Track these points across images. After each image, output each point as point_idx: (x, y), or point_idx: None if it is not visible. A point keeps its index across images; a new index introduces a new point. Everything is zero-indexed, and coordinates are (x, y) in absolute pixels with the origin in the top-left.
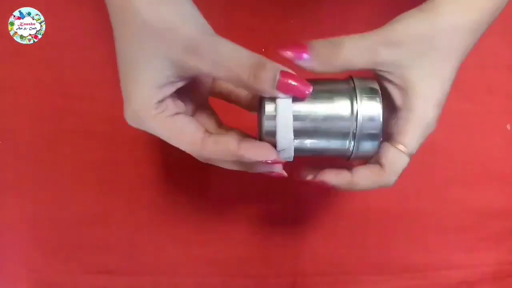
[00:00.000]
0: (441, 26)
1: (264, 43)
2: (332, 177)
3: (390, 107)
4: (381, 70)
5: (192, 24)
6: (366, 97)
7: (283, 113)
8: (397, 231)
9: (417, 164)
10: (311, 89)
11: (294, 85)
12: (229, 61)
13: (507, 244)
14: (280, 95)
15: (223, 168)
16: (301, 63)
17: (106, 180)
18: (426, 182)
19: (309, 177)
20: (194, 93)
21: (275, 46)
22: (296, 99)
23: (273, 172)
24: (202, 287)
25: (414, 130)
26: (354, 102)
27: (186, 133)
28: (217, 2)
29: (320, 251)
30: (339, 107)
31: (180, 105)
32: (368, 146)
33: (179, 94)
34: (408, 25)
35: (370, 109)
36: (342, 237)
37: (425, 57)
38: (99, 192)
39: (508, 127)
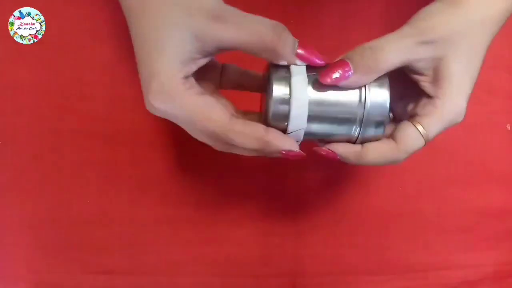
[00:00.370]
0: (473, 19)
1: None
2: (341, 147)
3: (415, 94)
4: (413, 64)
5: None
6: (374, 84)
7: (299, 80)
8: (397, 231)
9: (417, 164)
10: (324, 61)
11: (310, 53)
12: (253, 23)
13: (507, 244)
14: (298, 62)
15: (223, 168)
16: (344, 83)
17: (106, 180)
18: (426, 182)
19: (316, 148)
20: (206, 83)
21: None
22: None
23: (292, 153)
24: (202, 287)
25: (440, 117)
26: (363, 89)
27: (216, 110)
28: None
29: (320, 251)
30: (347, 92)
31: (202, 88)
32: (373, 132)
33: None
34: (443, 21)
35: (378, 96)
36: (342, 237)
37: (459, 50)
38: (99, 192)
39: (508, 127)
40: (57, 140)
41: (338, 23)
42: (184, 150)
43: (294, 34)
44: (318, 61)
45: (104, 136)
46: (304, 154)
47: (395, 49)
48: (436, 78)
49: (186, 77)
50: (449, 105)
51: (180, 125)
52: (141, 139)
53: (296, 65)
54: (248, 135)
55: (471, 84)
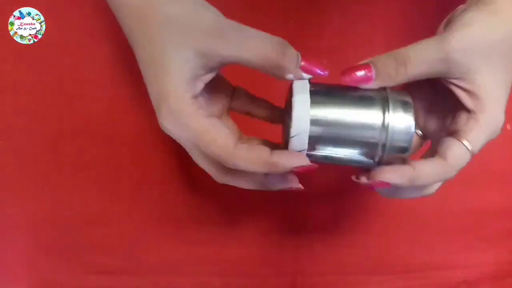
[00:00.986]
0: (507, 30)
1: None
2: (392, 175)
3: (449, 107)
4: (447, 75)
5: (212, 11)
6: (398, 108)
7: (301, 94)
8: (397, 231)
9: None
10: (327, 72)
11: (313, 65)
12: (256, 40)
13: (507, 244)
14: (304, 75)
15: None
16: (363, 86)
17: (106, 180)
18: None
19: (363, 180)
20: (216, 103)
21: None
22: (318, 102)
23: (292, 187)
24: (202, 287)
25: (483, 131)
26: (386, 112)
27: (222, 136)
28: (214, 3)
29: (320, 251)
30: (369, 115)
31: (211, 109)
32: (397, 158)
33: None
34: (478, 32)
35: (402, 121)
36: (342, 237)
37: (495, 62)
38: (99, 192)
39: (508, 127)
40: (57, 140)
41: (338, 23)
42: (184, 150)
43: (294, 34)
44: (320, 72)
45: (104, 136)
46: (316, 165)
47: (420, 61)
48: (473, 90)
49: (195, 97)
50: (490, 118)
51: (187, 149)
52: (141, 139)
53: (303, 78)
54: (253, 160)
55: (506, 95)
